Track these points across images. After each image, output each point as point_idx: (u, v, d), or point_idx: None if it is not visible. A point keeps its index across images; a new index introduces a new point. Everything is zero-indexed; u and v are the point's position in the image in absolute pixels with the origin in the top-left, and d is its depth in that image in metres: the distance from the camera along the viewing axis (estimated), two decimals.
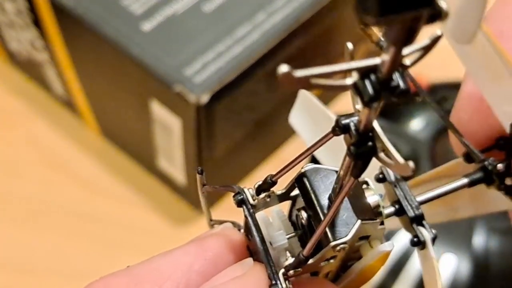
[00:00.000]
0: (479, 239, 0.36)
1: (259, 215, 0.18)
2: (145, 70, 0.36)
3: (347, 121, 0.15)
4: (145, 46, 0.36)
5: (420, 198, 0.19)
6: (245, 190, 0.18)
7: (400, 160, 0.14)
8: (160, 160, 0.41)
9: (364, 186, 0.18)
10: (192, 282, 0.17)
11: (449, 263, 0.35)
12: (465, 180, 0.19)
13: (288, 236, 0.18)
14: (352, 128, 0.15)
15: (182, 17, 0.37)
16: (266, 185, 0.18)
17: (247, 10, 0.38)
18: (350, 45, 0.15)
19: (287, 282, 0.17)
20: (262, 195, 0.18)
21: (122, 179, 0.44)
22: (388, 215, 0.18)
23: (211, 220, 0.20)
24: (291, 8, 0.38)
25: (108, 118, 0.44)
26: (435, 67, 0.44)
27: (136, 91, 0.38)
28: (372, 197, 0.18)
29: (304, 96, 0.22)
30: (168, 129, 0.38)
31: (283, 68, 0.13)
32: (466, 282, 0.35)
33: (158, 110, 0.37)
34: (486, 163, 0.19)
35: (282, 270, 0.17)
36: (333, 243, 0.17)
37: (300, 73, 0.13)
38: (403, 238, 0.35)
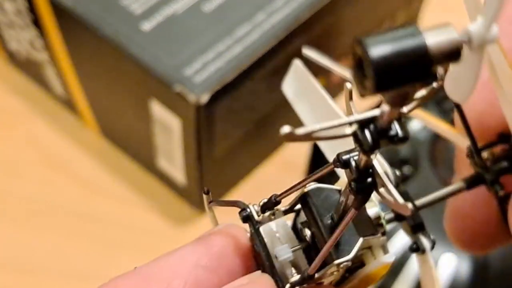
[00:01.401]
0: None
1: (264, 228, 0.18)
2: (145, 70, 0.36)
3: (347, 157, 0.16)
4: (145, 46, 0.36)
5: (419, 203, 0.19)
6: (250, 206, 0.19)
7: (400, 200, 0.15)
8: (160, 160, 0.41)
9: None
10: (200, 277, 0.18)
11: (449, 263, 0.35)
12: (462, 184, 0.20)
13: (292, 249, 0.18)
14: (353, 164, 0.15)
15: (182, 17, 0.37)
16: (270, 204, 0.18)
17: (247, 10, 0.38)
18: (349, 85, 0.15)
19: None
20: (267, 213, 0.18)
21: (122, 179, 0.44)
22: (388, 221, 0.19)
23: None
24: (290, 8, 0.38)
25: (108, 118, 0.44)
26: None
27: (136, 91, 0.38)
28: (372, 209, 0.18)
29: (297, 66, 0.23)
30: (168, 129, 0.38)
31: (285, 129, 0.13)
32: (466, 282, 0.35)
33: (158, 110, 0.37)
34: (481, 170, 0.19)
35: (288, 285, 0.17)
36: (336, 262, 0.17)
37: (301, 131, 0.14)
38: (403, 238, 0.35)
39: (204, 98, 0.35)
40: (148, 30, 0.37)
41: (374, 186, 0.15)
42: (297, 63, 0.22)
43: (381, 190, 0.15)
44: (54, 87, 0.46)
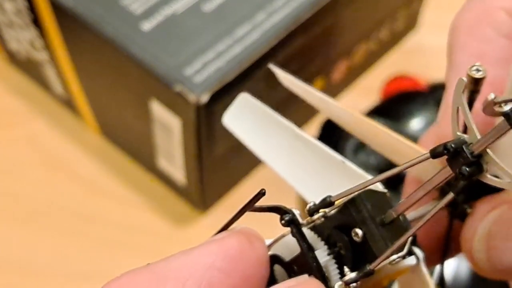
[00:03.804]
0: None
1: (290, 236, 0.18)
2: (145, 70, 0.36)
3: (457, 145, 0.16)
4: (145, 46, 0.36)
5: (411, 217, 0.20)
6: (294, 210, 0.18)
7: None
8: (160, 160, 0.41)
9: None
10: (214, 280, 0.17)
11: (449, 263, 0.35)
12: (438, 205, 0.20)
13: (327, 253, 0.18)
14: (466, 151, 0.16)
15: (182, 16, 0.37)
16: (324, 205, 0.18)
17: (247, 10, 0.38)
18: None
19: None
20: (316, 215, 0.18)
21: (122, 179, 0.44)
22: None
23: None
24: (291, 8, 0.38)
25: (108, 118, 0.44)
26: (435, 67, 0.44)
27: (136, 91, 0.38)
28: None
29: (244, 99, 0.23)
30: (168, 129, 0.38)
31: None
32: (466, 282, 0.35)
33: (158, 110, 0.37)
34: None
35: (339, 283, 0.17)
36: (393, 257, 0.17)
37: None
38: None
39: (204, 98, 0.35)
40: (148, 30, 0.37)
41: (481, 171, 0.16)
42: (244, 96, 0.23)
43: (487, 175, 0.16)
44: (54, 87, 0.46)
